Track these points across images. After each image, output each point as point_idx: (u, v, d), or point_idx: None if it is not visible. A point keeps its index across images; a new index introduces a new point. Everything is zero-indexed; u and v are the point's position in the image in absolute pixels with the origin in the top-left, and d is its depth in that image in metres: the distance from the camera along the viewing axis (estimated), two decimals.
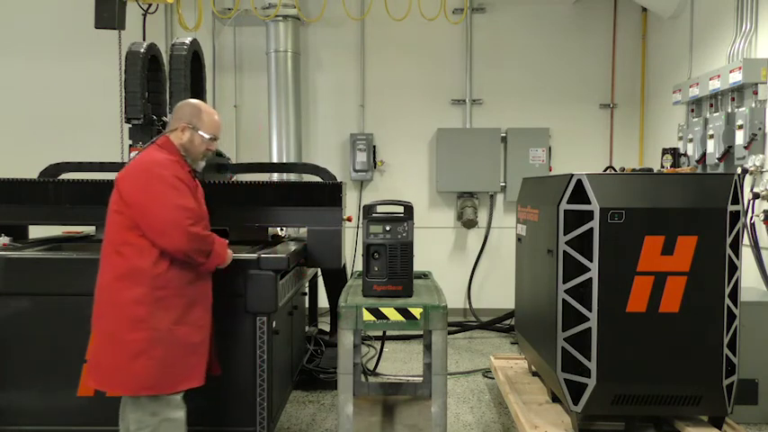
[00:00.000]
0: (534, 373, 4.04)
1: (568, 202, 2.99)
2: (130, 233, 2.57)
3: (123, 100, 3.46)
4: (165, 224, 2.54)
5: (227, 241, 2.84)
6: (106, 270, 2.63)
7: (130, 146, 3.52)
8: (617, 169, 5.35)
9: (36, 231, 3.93)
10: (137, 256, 2.56)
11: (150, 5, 5.59)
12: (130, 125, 3.51)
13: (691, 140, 5.25)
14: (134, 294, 2.55)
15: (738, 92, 4.73)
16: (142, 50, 3.47)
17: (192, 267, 2.66)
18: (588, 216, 2.93)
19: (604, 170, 6.45)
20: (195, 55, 3.70)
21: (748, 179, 4.42)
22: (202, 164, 2.84)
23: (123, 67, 3.51)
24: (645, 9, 6.77)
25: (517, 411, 3.38)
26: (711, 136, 4.92)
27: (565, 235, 2.99)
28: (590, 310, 2.93)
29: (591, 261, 2.92)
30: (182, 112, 2.77)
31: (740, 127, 4.53)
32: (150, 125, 3.52)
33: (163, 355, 2.58)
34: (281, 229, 4.11)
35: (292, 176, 6.18)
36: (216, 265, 2.76)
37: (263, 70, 6.79)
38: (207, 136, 2.76)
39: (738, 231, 2.99)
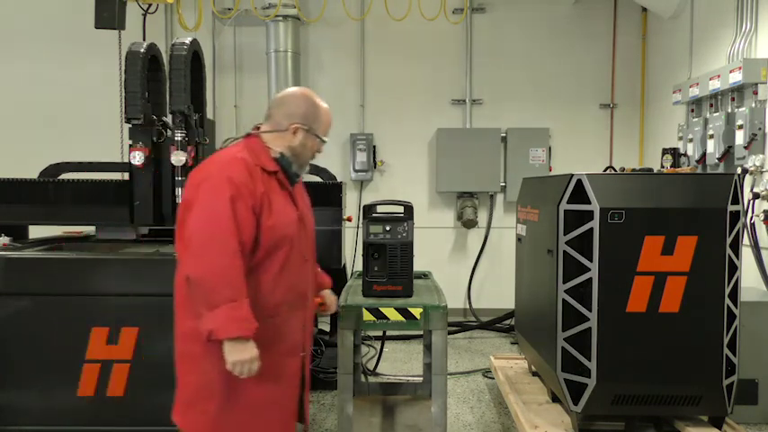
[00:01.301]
0: (534, 373, 4.04)
1: (568, 202, 2.99)
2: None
3: (123, 100, 3.45)
4: (190, 237, 1.98)
5: (254, 324, 1.96)
6: (178, 291, 2.12)
7: (130, 146, 3.51)
8: (617, 169, 5.35)
9: (36, 231, 3.93)
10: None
11: (150, 5, 5.59)
12: (130, 125, 3.50)
13: (691, 140, 5.25)
14: (189, 326, 2.03)
15: (738, 92, 4.73)
16: (142, 50, 3.47)
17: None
18: (588, 216, 2.93)
19: (604, 170, 6.45)
20: (195, 55, 3.70)
21: (748, 179, 4.41)
22: (306, 169, 2.32)
23: (123, 67, 3.51)
24: (645, 9, 6.77)
25: (517, 411, 3.38)
26: (711, 136, 4.91)
27: (565, 235, 2.99)
28: (590, 310, 2.93)
29: (591, 261, 2.92)
30: (292, 106, 2.18)
31: (740, 127, 4.53)
32: (150, 125, 3.51)
33: (216, 413, 2.01)
34: None
35: None
36: (211, 334, 1.92)
37: (263, 70, 6.79)
38: (325, 139, 2.25)
39: (738, 231, 2.99)
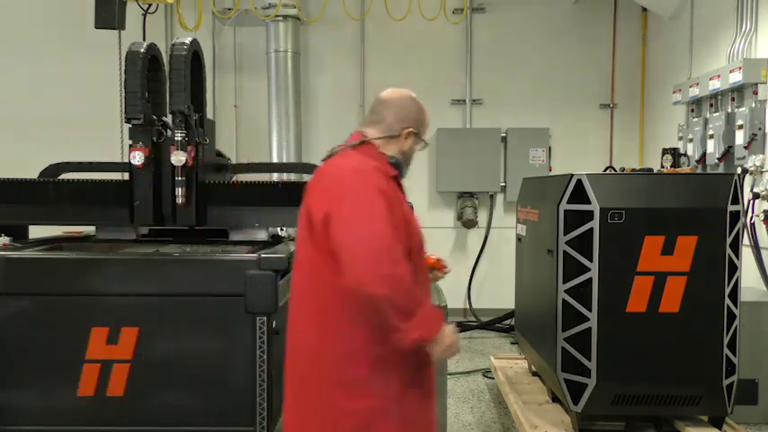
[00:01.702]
0: (534, 373, 4.04)
1: (568, 202, 2.99)
2: (328, 267, 1.87)
3: (123, 100, 3.45)
4: (353, 253, 1.78)
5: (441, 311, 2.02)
6: (309, 317, 1.96)
7: (130, 146, 3.51)
8: (617, 169, 5.35)
9: (36, 231, 3.93)
10: (347, 298, 1.85)
11: (150, 5, 5.59)
12: (130, 125, 3.50)
13: (691, 140, 5.25)
14: (355, 348, 1.88)
15: (738, 92, 4.73)
16: (142, 50, 3.47)
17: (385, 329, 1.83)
18: (588, 216, 2.93)
19: (604, 170, 6.46)
20: (195, 55, 3.69)
21: (748, 179, 4.41)
22: (407, 171, 2.20)
23: (123, 67, 3.51)
24: (645, 9, 6.77)
25: (517, 411, 3.38)
26: (711, 136, 4.91)
27: (565, 235, 2.99)
28: (590, 310, 2.93)
29: (591, 261, 2.92)
30: (404, 110, 2.09)
31: (740, 127, 4.53)
32: (150, 125, 3.51)
33: None
34: (281, 229, 4.11)
35: (292, 176, 6.18)
36: (420, 341, 1.82)
37: (263, 70, 6.79)
38: (428, 141, 2.17)
39: (738, 231, 2.99)
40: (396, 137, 2.06)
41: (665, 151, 5.52)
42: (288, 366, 2.03)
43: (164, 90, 3.74)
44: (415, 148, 2.12)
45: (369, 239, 1.77)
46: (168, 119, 3.65)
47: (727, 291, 2.94)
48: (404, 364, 1.89)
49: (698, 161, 5.10)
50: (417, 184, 7.03)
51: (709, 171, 5.03)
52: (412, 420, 1.94)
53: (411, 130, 2.07)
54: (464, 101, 7.03)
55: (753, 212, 4.32)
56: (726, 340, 2.94)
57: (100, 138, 6.42)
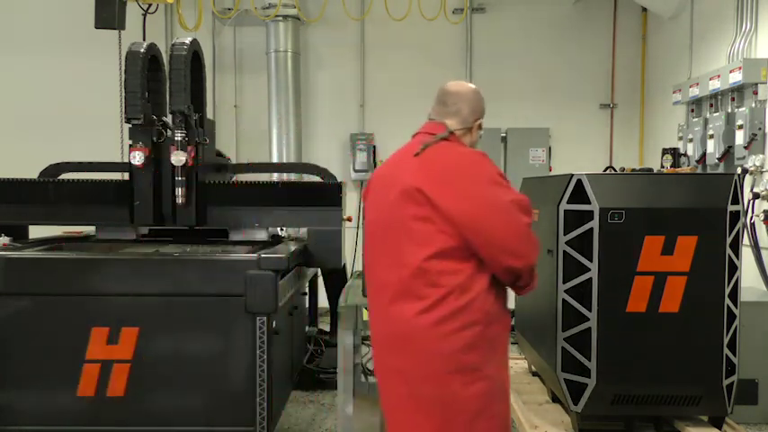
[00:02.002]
0: (534, 373, 4.04)
1: (568, 202, 2.99)
2: (452, 255, 1.93)
3: (123, 100, 3.45)
4: (519, 237, 1.96)
5: None
6: (411, 307, 1.94)
7: (130, 146, 3.51)
8: (617, 169, 5.35)
9: (36, 231, 3.93)
10: (466, 285, 1.92)
11: (150, 5, 5.59)
12: (130, 125, 3.50)
13: (691, 140, 5.25)
14: (465, 338, 1.92)
15: (738, 92, 4.73)
16: (142, 50, 3.47)
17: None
18: (588, 216, 2.93)
19: (604, 170, 6.45)
20: (195, 55, 3.70)
21: (748, 179, 4.41)
22: None
23: (123, 67, 3.51)
24: (645, 9, 6.77)
25: (517, 411, 3.38)
26: (711, 136, 4.91)
27: (565, 235, 2.99)
28: (590, 310, 2.92)
29: (591, 261, 2.92)
30: (474, 102, 2.20)
31: (740, 127, 4.53)
32: (150, 125, 3.51)
33: (506, 412, 2.06)
34: (281, 229, 4.11)
35: (292, 176, 6.18)
36: (531, 290, 2.12)
37: (263, 70, 6.79)
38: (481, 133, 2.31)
39: (738, 231, 2.99)
40: (470, 129, 2.18)
41: (665, 151, 5.52)
42: (385, 359, 2.02)
43: (164, 90, 3.75)
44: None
45: (521, 224, 1.97)
46: (168, 119, 3.65)
47: (728, 291, 2.94)
48: (504, 345, 2.03)
49: (698, 161, 5.10)
50: None
51: (709, 171, 5.03)
52: (508, 395, 2.09)
53: (481, 121, 2.21)
54: None
55: (753, 212, 4.32)
56: (726, 340, 2.94)
57: (100, 138, 6.42)
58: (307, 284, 4.51)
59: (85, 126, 6.79)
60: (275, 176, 6.31)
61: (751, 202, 4.31)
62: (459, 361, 1.91)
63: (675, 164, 5.40)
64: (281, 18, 6.48)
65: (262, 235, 3.84)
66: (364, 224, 2.23)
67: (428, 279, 1.92)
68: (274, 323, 3.15)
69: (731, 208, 2.93)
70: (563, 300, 2.99)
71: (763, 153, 4.39)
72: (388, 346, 2.03)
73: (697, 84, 5.15)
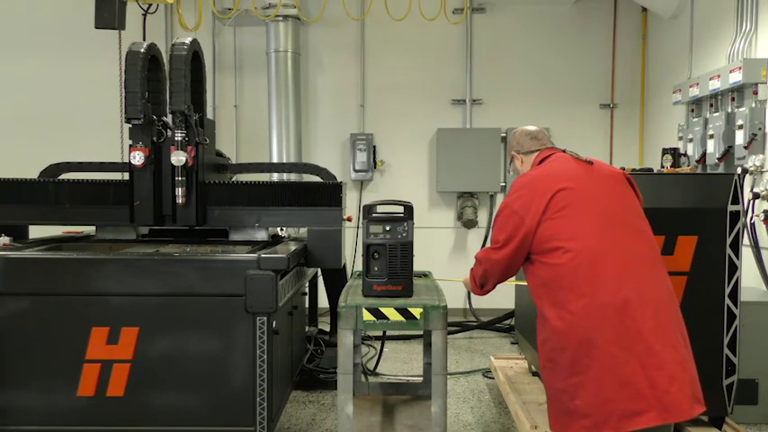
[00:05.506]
0: (534, 373, 4.04)
1: None
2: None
3: (123, 100, 3.45)
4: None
5: None
6: (665, 283, 2.28)
7: (130, 146, 3.51)
8: None
9: (36, 231, 3.93)
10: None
11: (150, 5, 5.59)
12: (130, 125, 3.50)
13: (691, 140, 5.25)
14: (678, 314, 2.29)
15: (738, 92, 4.73)
16: (142, 50, 3.47)
17: None
18: None
19: None
20: (195, 55, 3.70)
21: (748, 179, 4.41)
22: None
23: (123, 67, 3.51)
24: (645, 9, 6.77)
25: (517, 411, 3.38)
26: (711, 136, 4.91)
27: None
28: None
29: None
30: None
31: (740, 127, 4.53)
32: (150, 125, 3.51)
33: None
34: (281, 229, 4.11)
35: (292, 176, 6.18)
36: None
37: (263, 70, 6.79)
38: None
39: (738, 231, 2.99)
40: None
41: (665, 151, 5.52)
42: (637, 318, 2.14)
43: (164, 90, 3.74)
44: None
45: None
46: (168, 119, 3.65)
47: (727, 291, 2.94)
48: None
49: (698, 161, 5.10)
50: (417, 184, 7.03)
51: (709, 171, 5.03)
52: None
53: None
54: (464, 101, 7.04)
55: (753, 212, 4.32)
56: (726, 340, 2.94)
57: (100, 138, 6.42)
58: (307, 284, 4.51)
59: (85, 126, 6.80)
60: (275, 176, 6.31)
61: (751, 202, 4.31)
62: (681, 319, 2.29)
63: (675, 164, 5.40)
64: (281, 18, 6.48)
65: (262, 235, 3.84)
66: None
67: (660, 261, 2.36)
68: (274, 323, 3.15)
69: (731, 208, 2.93)
70: None
71: (763, 153, 4.39)
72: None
73: (697, 84, 5.15)
